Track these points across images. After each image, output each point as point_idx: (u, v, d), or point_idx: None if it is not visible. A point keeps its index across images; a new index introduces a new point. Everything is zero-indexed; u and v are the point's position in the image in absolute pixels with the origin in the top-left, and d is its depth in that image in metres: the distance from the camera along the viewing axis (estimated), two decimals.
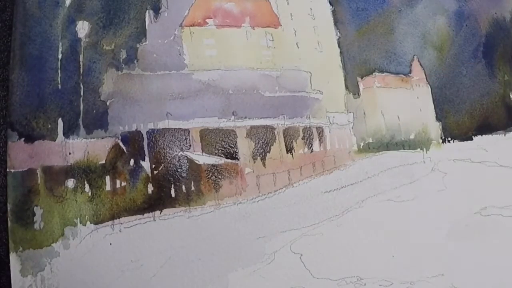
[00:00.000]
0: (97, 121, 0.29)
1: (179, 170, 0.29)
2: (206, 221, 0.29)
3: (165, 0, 0.32)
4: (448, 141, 0.36)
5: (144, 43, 0.31)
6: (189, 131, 0.30)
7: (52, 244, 0.27)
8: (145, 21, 0.31)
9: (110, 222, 0.28)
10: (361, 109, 0.35)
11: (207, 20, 0.33)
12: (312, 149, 0.32)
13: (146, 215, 0.28)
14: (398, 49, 0.37)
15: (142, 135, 0.29)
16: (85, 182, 0.28)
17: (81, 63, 0.30)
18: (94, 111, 0.29)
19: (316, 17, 0.35)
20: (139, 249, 0.28)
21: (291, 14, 0.35)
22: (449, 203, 0.34)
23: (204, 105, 0.31)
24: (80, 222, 0.27)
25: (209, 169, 0.30)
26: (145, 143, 0.29)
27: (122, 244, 0.28)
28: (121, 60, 0.30)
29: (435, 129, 0.36)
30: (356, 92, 0.35)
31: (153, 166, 0.29)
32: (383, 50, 0.37)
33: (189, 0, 0.33)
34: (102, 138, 0.29)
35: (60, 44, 0.30)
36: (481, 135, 0.37)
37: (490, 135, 0.38)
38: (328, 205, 0.31)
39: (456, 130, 0.37)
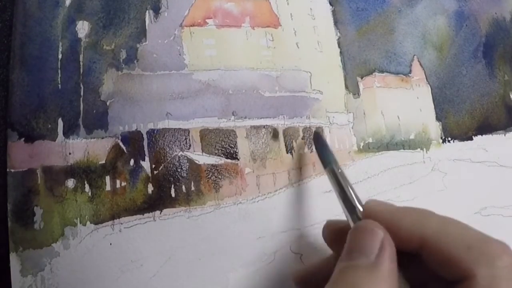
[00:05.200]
0: (97, 121, 0.29)
1: (179, 170, 0.29)
2: (206, 221, 0.29)
3: (165, 0, 0.32)
4: (448, 141, 0.36)
5: (144, 43, 0.31)
6: (189, 131, 0.30)
7: (52, 244, 0.27)
8: (145, 21, 0.31)
9: (110, 222, 0.28)
10: (361, 109, 0.35)
11: (207, 20, 0.33)
12: (312, 149, 0.32)
13: (146, 215, 0.28)
14: (398, 49, 0.37)
15: (142, 135, 0.29)
16: (85, 182, 0.28)
17: (81, 63, 0.30)
18: (94, 111, 0.29)
19: (316, 17, 0.35)
20: (139, 249, 0.28)
21: (291, 14, 0.35)
22: (449, 203, 0.34)
23: (204, 105, 0.31)
24: (80, 222, 0.27)
25: (209, 169, 0.30)
26: (145, 143, 0.29)
27: (122, 244, 0.28)
28: (121, 60, 0.30)
29: (435, 129, 0.36)
30: (356, 92, 0.35)
31: (153, 166, 0.29)
32: (383, 50, 0.37)
33: (189, 0, 0.33)
34: (102, 138, 0.29)
35: (60, 44, 0.30)
36: (481, 135, 0.37)
37: (490, 135, 0.38)
38: (328, 205, 0.31)
39: (456, 130, 0.37)
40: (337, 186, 0.26)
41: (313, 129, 0.32)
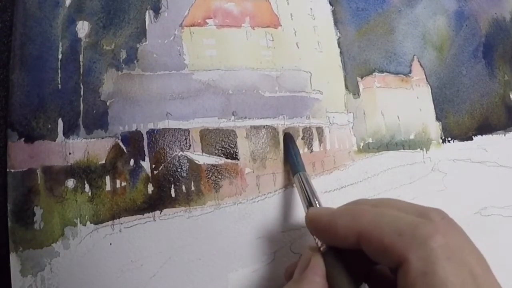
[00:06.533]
0: (97, 121, 0.29)
1: (179, 170, 0.29)
2: (206, 221, 0.29)
3: (165, 0, 0.32)
4: (448, 141, 0.36)
5: (144, 43, 0.31)
6: (189, 131, 0.30)
7: (52, 244, 0.27)
8: (145, 21, 0.31)
9: (110, 222, 0.28)
10: (361, 109, 0.35)
11: (207, 20, 0.33)
12: (312, 149, 0.32)
13: (146, 215, 0.28)
14: (398, 49, 0.37)
15: (142, 135, 0.29)
16: (85, 182, 0.28)
17: (81, 63, 0.30)
18: (94, 111, 0.29)
19: (316, 17, 0.35)
20: (139, 249, 0.28)
21: (291, 14, 0.35)
22: (449, 203, 0.34)
23: (204, 105, 0.31)
24: (80, 222, 0.27)
25: (209, 169, 0.30)
26: (145, 143, 0.29)
27: (122, 244, 0.28)
28: (121, 60, 0.30)
29: (435, 129, 0.36)
30: (356, 92, 0.35)
31: (153, 166, 0.29)
32: (383, 50, 0.37)
33: (189, 0, 0.33)
34: (102, 138, 0.29)
35: (60, 44, 0.30)
36: (481, 135, 0.37)
37: (490, 135, 0.38)
38: (328, 205, 0.31)
39: (456, 130, 0.37)
40: (302, 192, 0.27)
41: (286, 130, 0.32)
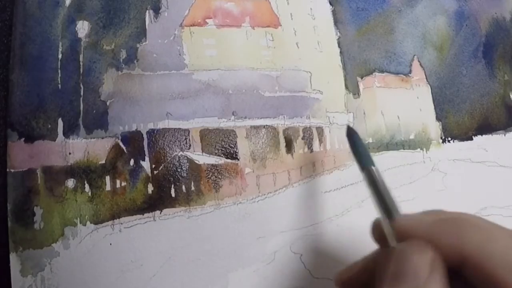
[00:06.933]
0: (97, 121, 0.29)
1: (179, 170, 0.29)
2: (206, 221, 0.29)
3: (165, 0, 0.32)
4: (448, 141, 0.36)
5: (144, 43, 0.31)
6: (189, 131, 0.30)
7: (52, 244, 0.27)
8: (145, 21, 0.31)
9: (110, 222, 0.28)
10: (361, 109, 0.35)
11: (207, 20, 0.33)
12: (312, 149, 0.32)
13: (146, 215, 0.28)
14: (398, 49, 0.37)
15: (142, 135, 0.29)
16: (85, 182, 0.28)
17: (81, 63, 0.30)
18: (94, 111, 0.29)
19: (316, 17, 0.35)
20: (139, 249, 0.28)
21: (291, 14, 0.35)
22: (449, 203, 0.34)
23: (204, 105, 0.31)
24: (80, 222, 0.28)
25: (209, 169, 0.30)
26: (145, 143, 0.29)
27: (122, 244, 0.28)
28: (121, 60, 0.30)
29: (435, 129, 0.36)
30: (356, 92, 0.35)
31: (153, 166, 0.29)
32: (383, 50, 0.37)
33: (189, 0, 0.33)
34: (102, 138, 0.29)
35: (60, 44, 0.30)
36: (481, 135, 0.37)
37: (490, 135, 0.38)
38: (328, 205, 0.31)
39: (456, 130, 0.37)
40: (374, 192, 0.24)
41: (346, 126, 0.30)
